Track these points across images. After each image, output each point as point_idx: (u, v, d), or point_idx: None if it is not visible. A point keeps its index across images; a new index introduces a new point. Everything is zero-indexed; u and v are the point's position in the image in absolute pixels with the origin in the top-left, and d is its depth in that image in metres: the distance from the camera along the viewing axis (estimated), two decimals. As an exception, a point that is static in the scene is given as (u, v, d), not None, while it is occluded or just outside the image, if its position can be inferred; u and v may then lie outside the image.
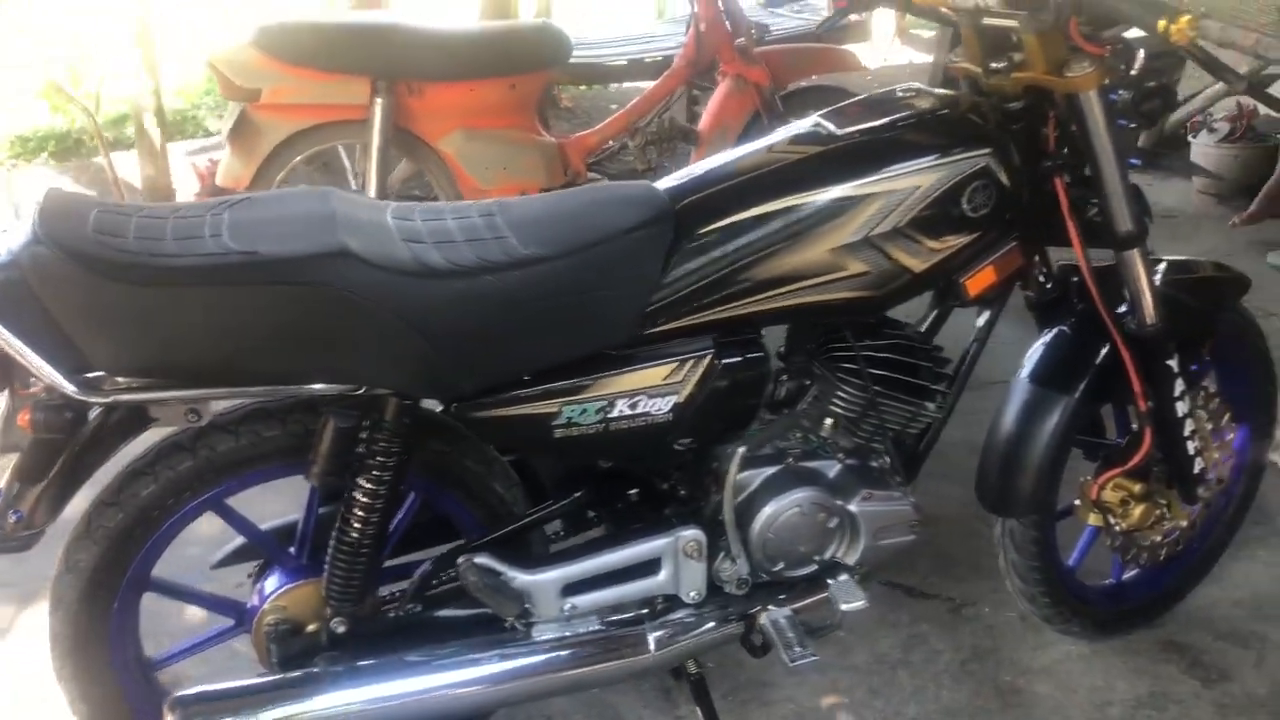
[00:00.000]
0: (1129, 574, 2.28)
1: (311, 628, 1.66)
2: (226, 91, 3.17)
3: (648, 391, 1.61)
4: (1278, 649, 2.25)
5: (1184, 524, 2.15)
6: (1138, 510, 2.00)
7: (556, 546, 1.80)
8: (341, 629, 1.63)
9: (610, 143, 3.64)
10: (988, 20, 1.73)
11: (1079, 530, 2.20)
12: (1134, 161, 1.85)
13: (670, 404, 1.62)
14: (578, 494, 1.76)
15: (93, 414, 1.46)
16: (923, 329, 1.92)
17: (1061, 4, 1.60)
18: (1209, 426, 2.11)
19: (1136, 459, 1.96)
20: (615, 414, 1.60)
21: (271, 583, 1.69)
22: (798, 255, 1.62)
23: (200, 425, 1.52)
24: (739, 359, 1.64)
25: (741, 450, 1.69)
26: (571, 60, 3.55)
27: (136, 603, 1.66)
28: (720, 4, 3.52)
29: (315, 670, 1.61)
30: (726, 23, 3.56)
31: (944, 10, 1.79)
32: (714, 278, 1.60)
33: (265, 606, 1.67)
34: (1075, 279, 1.91)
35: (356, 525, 1.57)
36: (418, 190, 3.95)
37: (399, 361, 1.46)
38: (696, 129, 3.64)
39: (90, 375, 1.37)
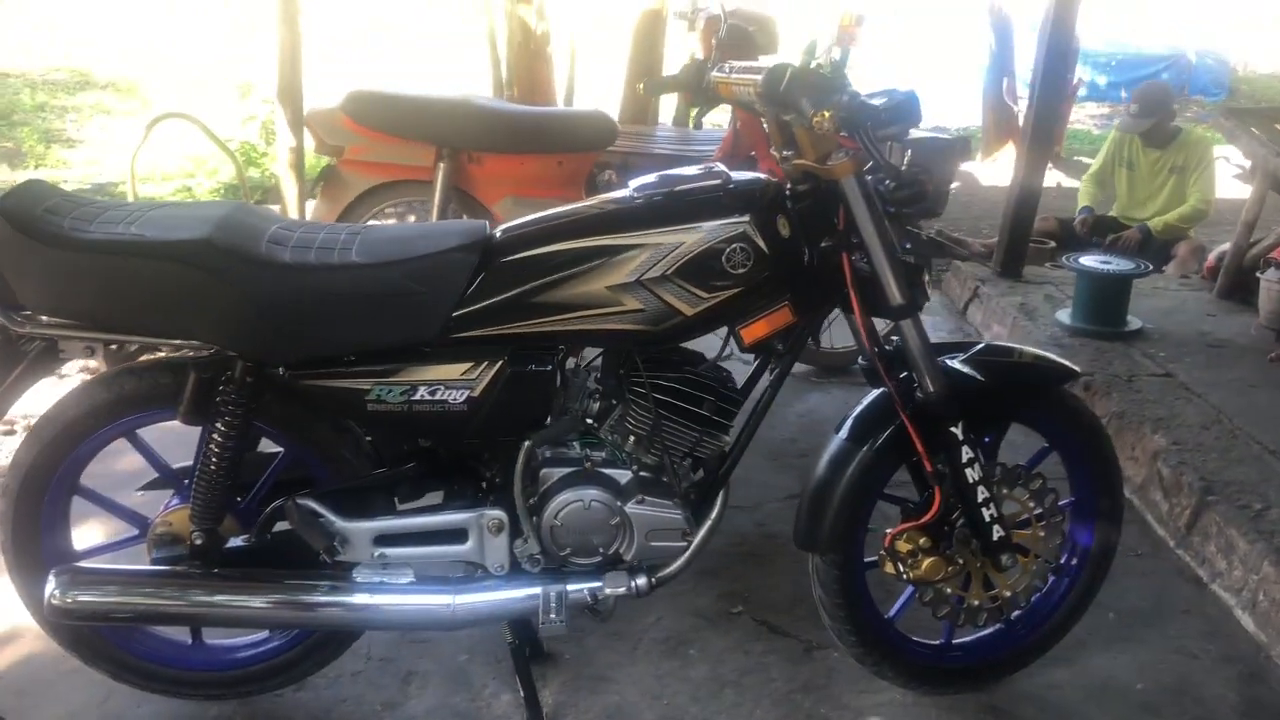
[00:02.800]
0: (964, 637, 2.45)
1: (187, 543, 2.12)
2: (318, 146, 3.81)
3: (445, 383, 2.00)
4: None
5: (1006, 593, 2.32)
6: (926, 563, 2.19)
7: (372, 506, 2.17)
8: (199, 541, 2.08)
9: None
10: (783, 116, 2.06)
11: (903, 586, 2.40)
12: (905, 245, 2.08)
13: (465, 396, 2.01)
14: (410, 465, 2.16)
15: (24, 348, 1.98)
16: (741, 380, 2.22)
17: (804, 107, 1.91)
18: (1031, 504, 2.30)
19: (927, 516, 2.18)
20: (417, 397, 2.00)
21: (170, 504, 2.18)
22: (581, 287, 1.98)
23: (112, 368, 2.03)
24: (527, 368, 2.02)
25: (527, 445, 2.06)
26: (617, 146, 4.01)
27: (66, 502, 2.16)
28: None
29: (176, 569, 2.07)
30: (764, 123, 3.93)
31: (756, 106, 2.13)
32: (510, 297, 1.98)
33: (156, 520, 2.15)
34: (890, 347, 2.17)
35: (213, 460, 2.03)
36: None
37: (240, 329, 1.92)
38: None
39: (21, 314, 1.90)
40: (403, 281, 1.95)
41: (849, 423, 2.22)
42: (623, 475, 2.13)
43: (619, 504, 2.09)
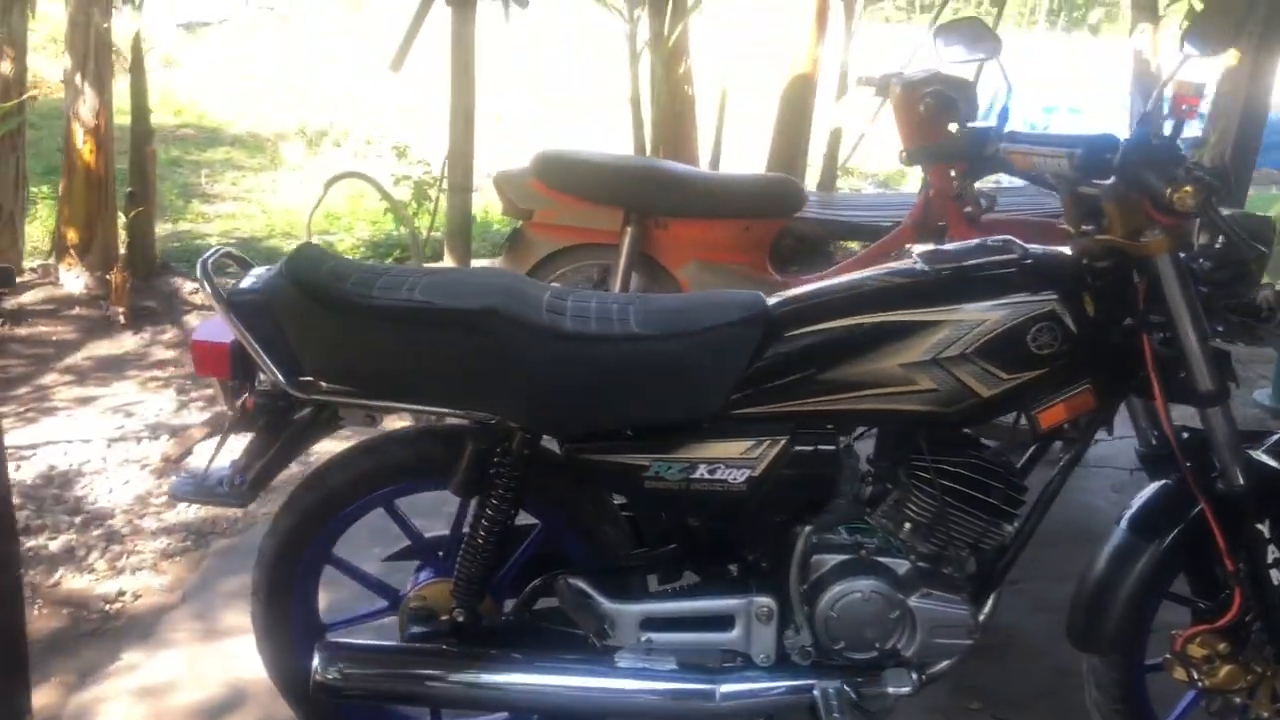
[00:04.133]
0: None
1: (443, 617, 2.04)
2: (507, 209, 3.79)
3: (726, 461, 1.91)
4: None
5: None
6: (1224, 670, 2.03)
7: (637, 587, 2.09)
8: (461, 619, 2.00)
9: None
10: (1082, 189, 1.96)
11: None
12: (1216, 328, 1.95)
13: (745, 476, 1.91)
14: (672, 545, 2.07)
15: (302, 412, 1.94)
16: (1018, 458, 2.10)
17: (1151, 182, 1.80)
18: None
19: (1225, 619, 2.02)
20: (696, 475, 1.91)
21: (422, 578, 2.11)
22: (872, 365, 1.88)
23: (379, 432, 1.98)
24: (810, 449, 1.92)
25: (808, 530, 1.95)
26: (805, 213, 3.94)
27: (317, 572, 2.11)
28: (951, 174, 3.79)
29: (438, 647, 1.99)
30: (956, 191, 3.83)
31: (1048, 178, 2.03)
32: (795, 374, 1.89)
33: (410, 594, 2.08)
34: (1179, 437, 2.03)
35: (481, 534, 1.96)
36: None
37: (521, 402, 1.85)
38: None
39: (303, 379, 1.86)
40: (686, 354, 1.88)
41: (1134, 515, 2.08)
42: (900, 565, 2.01)
43: (901, 597, 1.97)
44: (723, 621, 2.01)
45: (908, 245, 3.89)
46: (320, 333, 1.84)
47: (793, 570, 1.96)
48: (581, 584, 1.97)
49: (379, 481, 2.01)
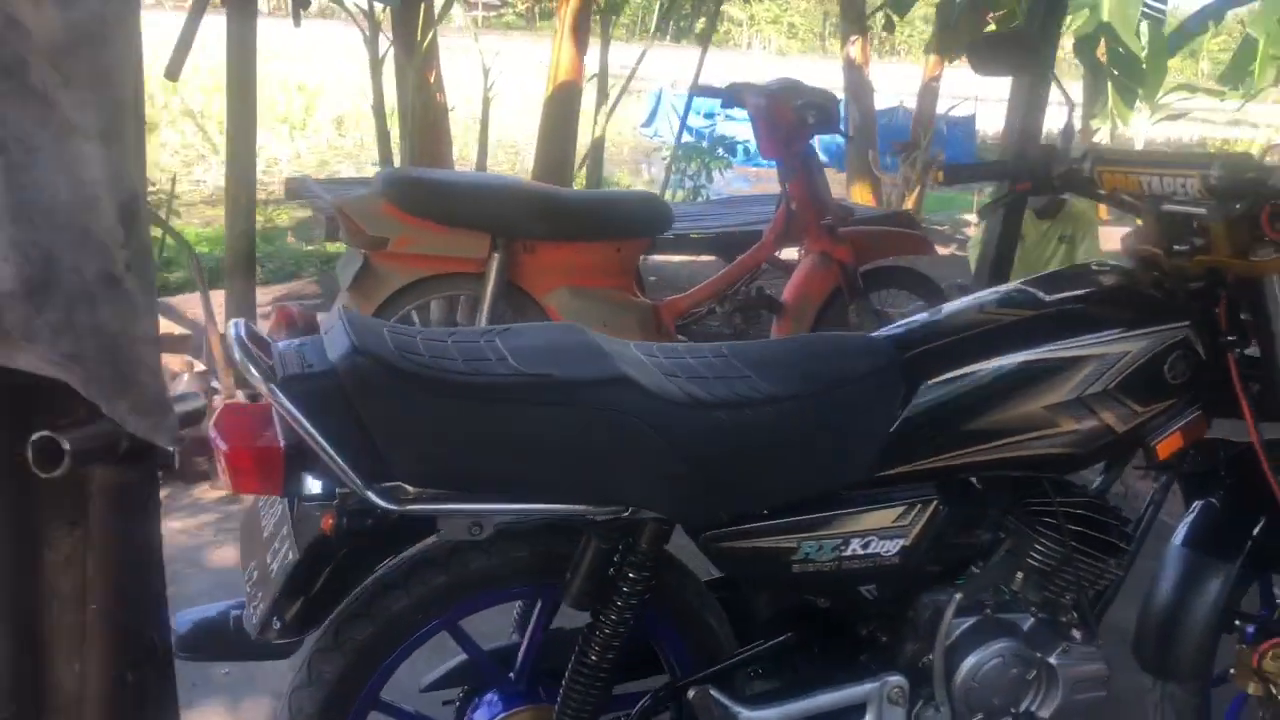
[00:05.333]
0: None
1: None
2: (353, 238, 3.29)
3: (879, 533, 1.68)
4: None
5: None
6: (1296, 679, 2.04)
7: (757, 686, 1.82)
8: (568, 758, 1.63)
9: (700, 307, 3.79)
10: (1168, 207, 1.89)
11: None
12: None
13: (898, 547, 1.68)
14: (787, 634, 1.80)
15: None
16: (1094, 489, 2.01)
17: (1257, 196, 1.75)
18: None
19: (1289, 627, 2.03)
20: (848, 553, 1.66)
21: (487, 709, 1.70)
22: (1017, 410, 1.71)
23: (440, 543, 1.57)
24: (961, 508, 1.72)
25: (958, 598, 1.75)
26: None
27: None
28: (809, 187, 3.73)
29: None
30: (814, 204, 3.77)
31: (1125, 198, 1.95)
32: (941, 427, 1.69)
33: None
34: (1223, 453, 2.01)
35: (597, 648, 1.60)
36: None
37: (665, 485, 1.52)
38: (781, 299, 3.79)
39: (388, 485, 1.42)
40: (834, 414, 1.63)
41: (1194, 536, 2.05)
42: (1024, 620, 1.85)
43: (1039, 655, 1.81)
44: (854, 711, 1.77)
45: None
46: (417, 423, 1.42)
47: (939, 643, 1.75)
48: (720, 696, 1.66)
49: (452, 600, 1.60)
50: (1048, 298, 1.81)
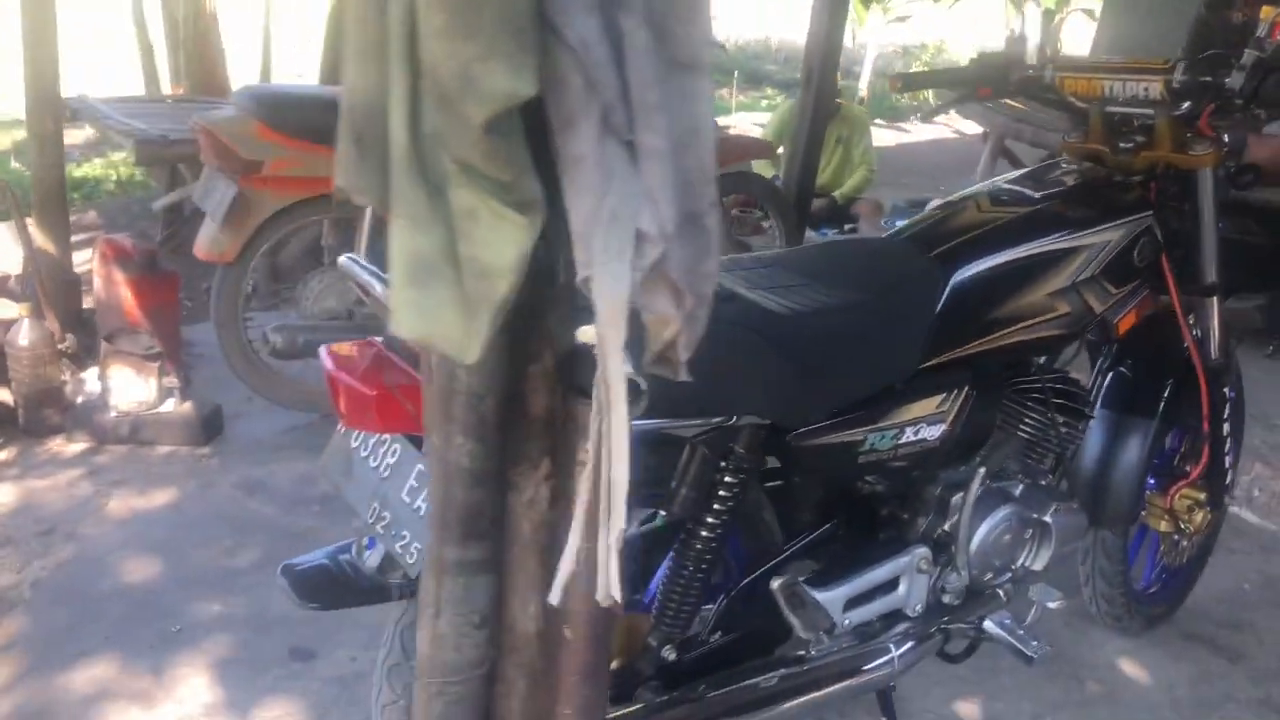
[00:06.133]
0: (1153, 579, 2.68)
1: (643, 660, 1.71)
2: (223, 162, 3.06)
3: (926, 420, 1.82)
4: (1268, 630, 2.72)
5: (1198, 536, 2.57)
6: (1199, 516, 2.38)
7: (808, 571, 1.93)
8: (671, 656, 1.70)
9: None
10: (1113, 109, 2.10)
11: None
12: (1221, 224, 2.25)
13: (939, 431, 1.84)
14: (829, 524, 1.92)
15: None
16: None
17: (1201, 98, 1.99)
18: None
19: (1197, 472, 2.36)
20: (903, 440, 1.80)
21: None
22: (1028, 298, 1.89)
23: None
24: (986, 392, 1.89)
25: (982, 472, 1.93)
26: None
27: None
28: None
29: (647, 704, 1.67)
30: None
31: (1072, 100, 2.15)
32: (969, 318, 1.84)
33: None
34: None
35: (697, 551, 1.66)
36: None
37: (772, 391, 1.60)
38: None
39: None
40: (894, 313, 1.75)
41: (1116, 398, 2.32)
42: (1014, 487, 2.06)
43: (1037, 516, 2.03)
44: (891, 584, 1.93)
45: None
46: None
47: (965, 514, 1.93)
48: (800, 584, 1.77)
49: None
50: (1035, 194, 1.98)
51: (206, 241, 3.13)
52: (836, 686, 1.86)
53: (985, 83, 2.21)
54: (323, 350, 1.49)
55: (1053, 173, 2.09)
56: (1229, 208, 2.20)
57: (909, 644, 1.94)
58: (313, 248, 3.48)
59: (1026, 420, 2.03)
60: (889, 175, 7.59)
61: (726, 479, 1.65)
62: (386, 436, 1.51)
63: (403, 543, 1.43)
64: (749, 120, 9.39)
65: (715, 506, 1.66)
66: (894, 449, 1.80)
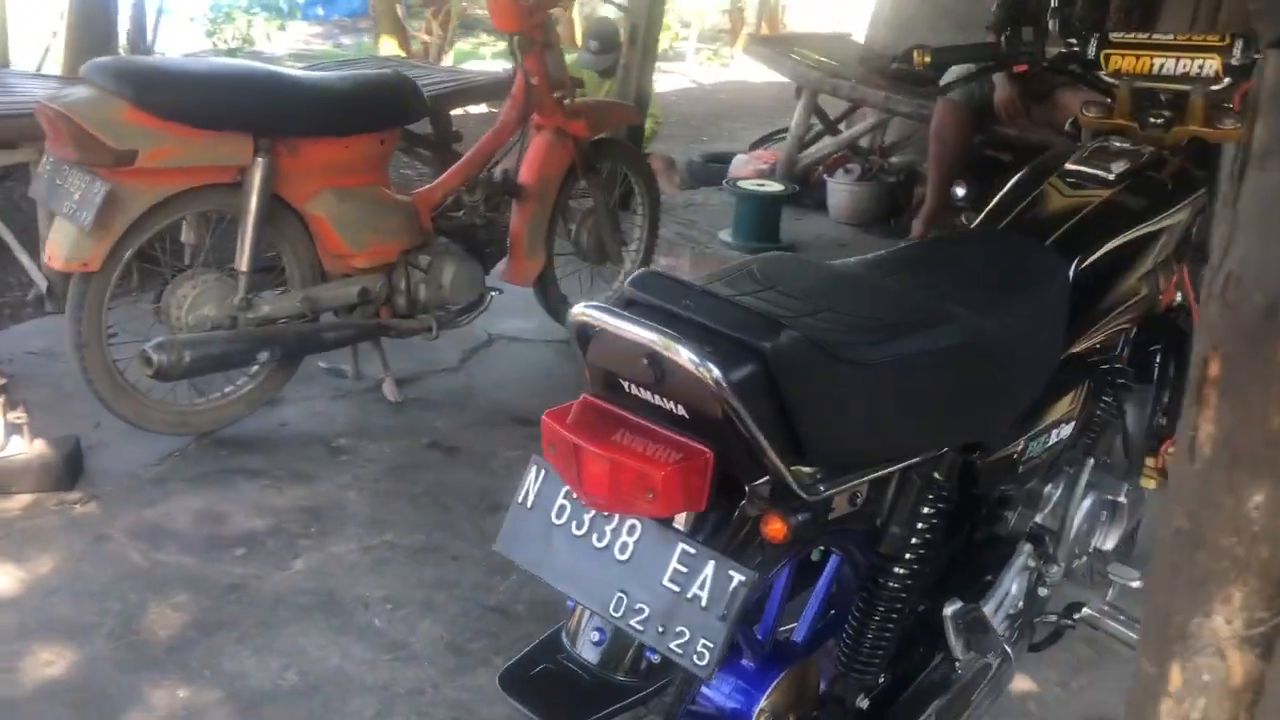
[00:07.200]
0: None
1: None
2: (85, 153, 2.53)
3: (1064, 419, 1.77)
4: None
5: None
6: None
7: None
8: (865, 705, 1.56)
9: (450, 197, 3.46)
10: (1146, 84, 2.11)
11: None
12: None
13: (1070, 428, 1.79)
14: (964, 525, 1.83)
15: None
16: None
17: (1234, 74, 2.02)
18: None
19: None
20: (1051, 441, 1.74)
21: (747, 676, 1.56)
22: (1125, 283, 1.87)
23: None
24: (1097, 381, 1.86)
25: (1090, 463, 1.90)
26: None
27: None
28: (546, 61, 3.52)
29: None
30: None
31: (1108, 80, 2.14)
32: (1085, 308, 1.79)
33: (762, 705, 1.53)
34: None
35: (892, 590, 1.53)
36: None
37: (995, 415, 1.50)
38: (520, 182, 3.59)
39: (807, 470, 1.23)
40: (1045, 312, 1.67)
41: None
42: (1093, 470, 2.04)
43: (1111, 498, 2.03)
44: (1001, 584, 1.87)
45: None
46: (836, 402, 1.23)
47: (1072, 506, 1.90)
48: (979, 609, 1.67)
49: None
50: (1110, 176, 1.95)
51: (65, 248, 2.60)
52: (978, 699, 1.80)
53: (1022, 59, 2.16)
54: (546, 418, 1.23)
55: (1112, 151, 2.06)
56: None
57: (1016, 643, 1.90)
58: (198, 246, 2.98)
59: (1104, 403, 2.02)
60: (673, 127, 7.58)
61: (926, 509, 1.52)
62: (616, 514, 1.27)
63: (681, 640, 1.20)
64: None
65: (915, 541, 1.53)
66: (1044, 452, 1.73)
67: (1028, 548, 1.88)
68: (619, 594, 1.24)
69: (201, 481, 2.86)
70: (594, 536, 1.28)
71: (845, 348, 1.23)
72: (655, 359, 1.15)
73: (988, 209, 1.95)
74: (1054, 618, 2.01)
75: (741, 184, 4.85)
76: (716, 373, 1.11)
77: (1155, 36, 2.11)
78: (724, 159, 6.13)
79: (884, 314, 1.35)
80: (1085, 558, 2.05)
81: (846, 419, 1.25)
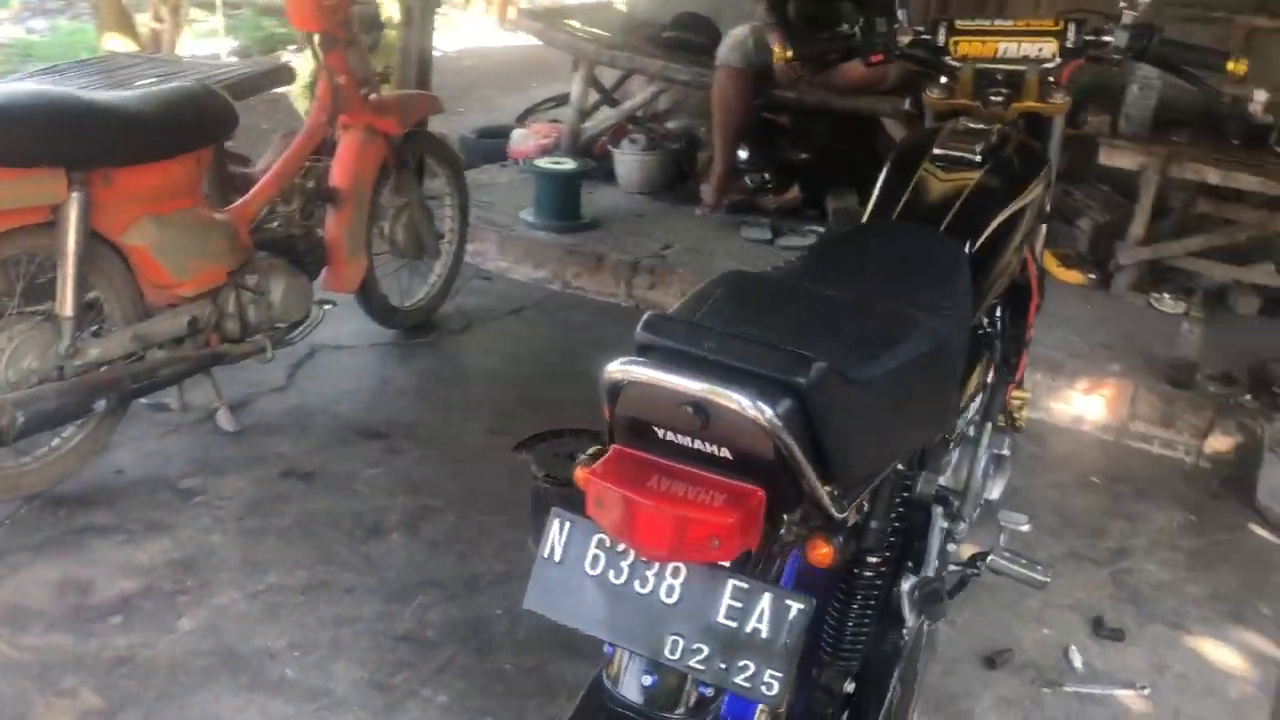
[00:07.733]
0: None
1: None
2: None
3: (976, 391, 1.93)
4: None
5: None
6: (1025, 411, 2.74)
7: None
8: (851, 689, 1.66)
9: (264, 209, 3.28)
10: (984, 65, 2.28)
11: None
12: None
13: (980, 398, 1.95)
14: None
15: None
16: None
17: (1067, 54, 2.22)
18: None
19: (1020, 373, 2.70)
20: (970, 414, 1.90)
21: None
22: (1005, 259, 2.02)
23: None
24: (994, 350, 2.02)
25: (989, 426, 2.06)
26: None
27: None
28: (351, 58, 3.38)
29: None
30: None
31: (948, 61, 2.29)
32: (979, 287, 1.94)
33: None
34: None
35: (868, 579, 1.62)
36: None
37: (951, 405, 1.62)
38: (335, 186, 3.45)
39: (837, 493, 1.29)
40: (966, 305, 1.79)
41: None
42: (985, 428, 2.20)
43: (997, 452, 2.22)
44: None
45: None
46: (853, 422, 1.30)
47: (977, 465, 2.06)
48: (936, 582, 1.80)
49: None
50: (975, 157, 2.09)
51: None
52: (923, 661, 1.94)
53: (877, 49, 2.28)
54: (586, 474, 1.22)
55: (962, 132, 2.20)
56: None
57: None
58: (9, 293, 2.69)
59: (996, 368, 2.20)
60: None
61: (897, 500, 1.63)
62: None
63: (747, 675, 1.24)
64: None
65: (888, 531, 1.63)
66: (966, 425, 1.87)
67: (939, 509, 2.03)
68: (673, 637, 1.27)
69: (48, 548, 2.63)
70: (635, 583, 1.29)
71: (851, 370, 1.30)
72: (700, 406, 1.18)
73: (873, 201, 2.06)
74: (957, 569, 2.17)
75: (539, 163, 4.83)
76: (769, 413, 1.15)
77: (997, 23, 2.28)
78: (497, 133, 6.06)
79: (868, 331, 1.42)
80: (977, 510, 2.23)
81: (861, 436, 1.32)
